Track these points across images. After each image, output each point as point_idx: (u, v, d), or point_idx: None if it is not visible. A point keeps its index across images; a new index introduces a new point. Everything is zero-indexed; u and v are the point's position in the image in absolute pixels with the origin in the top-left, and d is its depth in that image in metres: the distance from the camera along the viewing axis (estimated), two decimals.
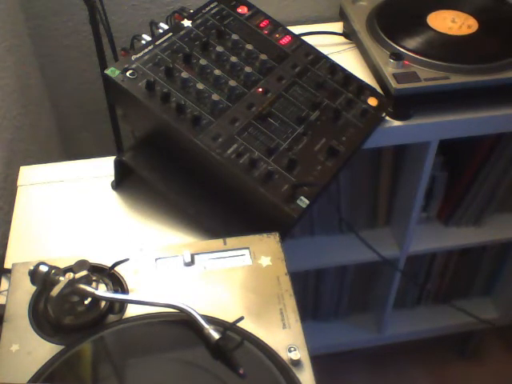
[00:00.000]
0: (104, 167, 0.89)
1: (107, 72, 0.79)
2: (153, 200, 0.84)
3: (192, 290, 0.65)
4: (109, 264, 0.67)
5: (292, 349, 0.59)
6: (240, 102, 0.83)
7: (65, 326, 0.61)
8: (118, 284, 0.66)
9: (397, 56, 0.96)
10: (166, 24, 0.92)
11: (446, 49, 1.00)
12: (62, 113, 1.34)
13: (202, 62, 0.84)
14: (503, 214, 1.31)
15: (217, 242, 0.71)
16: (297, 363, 0.58)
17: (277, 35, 0.95)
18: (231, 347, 0.58)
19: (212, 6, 0.95)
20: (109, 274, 0.66)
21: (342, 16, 1.15)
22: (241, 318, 0.61)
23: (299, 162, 0.78)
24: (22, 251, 0.78)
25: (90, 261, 0.64)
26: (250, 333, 0.61)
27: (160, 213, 0.83)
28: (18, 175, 0.89)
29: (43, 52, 1.23)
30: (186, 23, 0.90)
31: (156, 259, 0.69)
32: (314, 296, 1.39)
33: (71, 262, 0.64)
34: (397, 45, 1.00)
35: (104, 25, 1.01)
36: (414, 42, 1.00)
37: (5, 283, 0.72)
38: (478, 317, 1.40)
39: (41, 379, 0.57)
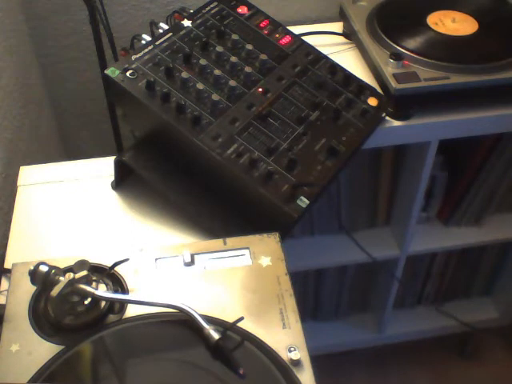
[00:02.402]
0: (104, 167, 0.89)
1: (107, 72, 0.79)
2: (153, 200, 0.84)
3: (192, 289, 0.65)
4: (109, 264, 0.67)
5: (292, 349, 0.59)
6: (240, 101, 0.83)
7: (65, 326, 0.61)
8: (118, 284, 0.66)
9: (397, 56, 0.96)
10: (166, 24, 0.92)
11: (446, 49, 1.00)
12: (61, 113, 1.34)
13: (202, 61, 0.84)
14: (503, 214, 1.31)
15: (217, 242, 0.71)
16: (297, 363, 0.58)
17: (277, 35, 0.95)
18: (231, 347, 0.58)
19: (212, 5, 0.95)
20: (109, 274, 0.66)
21: (341, 16, 1.15)
22: (241, 318, 0.61)
23: (299, 162, 0.78)
24: (22, 251, 0.78)
25: (90, 261, 0.64)
26: (250, 333, 0.61)
27: (160, 213, 0.83)
28: (18, 175, 0.89)
29: (43, 52, 1.23)
30: (186, 23, 0.90)
31: (156, 259, 0.69)
32: (314, 296, 1.39)
33: (71, 262, 0.64)
34: (397, 45, 1.00)
35: (104, 25, 1.01)
36: (413, 42, 1.00)
37: (5, 283, 0.72)
38: (463, 321, 1.40)
39: (41, 379, 0.57)
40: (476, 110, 1.00)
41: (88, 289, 0.61)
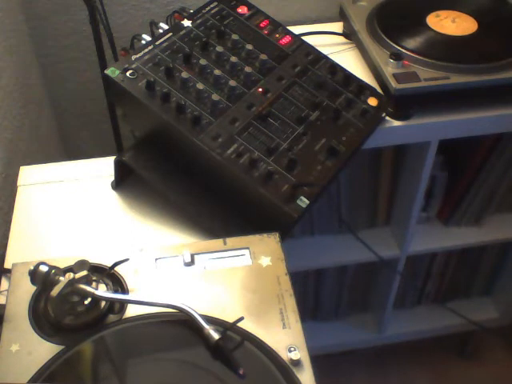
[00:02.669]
0: (104, 167, 0.89)
1: (107, 72, 0.79)
2: (153, 200, 0.84)
3: (192, 289, 0.65)
4: (109, 264, 0.67)
5: (292, 349, 0.59)
6: (240, 101, 0.83)
7: (65, 326, 0.61)
8: (118, 284, 0.66)
9: (397, 56, 0.96)
10: (166, 24, 0.92)
11: (446, 49, 1.00)
12: (61, 113, 1.34)
13: (202, 61, 0.84)
14: (503, 213, 1.31)
15: (217, 242, 0.71)
16: (297, 363, 0.58)
17: (277, 35, 0.95)
18: (231, 347, 0.58)
19: (212, 5, 0.95)
20: (109, 274, 0.66)
21: (341, 16, 1.15)
22: (241, 318, 0.61)
23: (299, 162, 0.78)
24: (22, 251, 0.78)
25: (90, 261, 0.64)
26: (250, 333, 0.61)
27: (160, 213, 0.83)
28: (18, 175, 0.89)
29: (43, 52, 1.23)
30: (186, 23, 0.90)
31: (156, 259, 0.69)
32: (314, 296, 1.39)
33: (71, 262, 0.64)
34: (397, 45, 1.00)
35: (104, 25, 1.01)
36: (413, 42, 1.00)
37: (5, 283, 0.72)
38: (471, 319, 1.40)
39: (41, 379, 0.57)
40: (476, 110, 1.00)
41: (88, 289, 0.61)
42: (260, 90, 0.85)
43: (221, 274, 0.67)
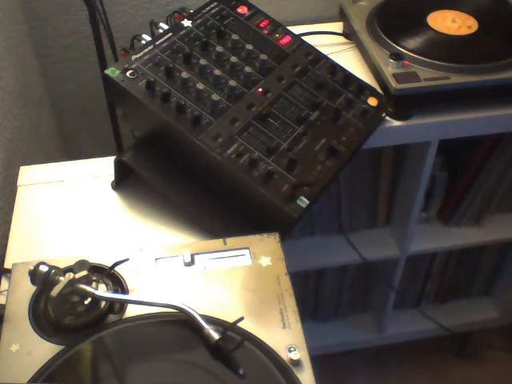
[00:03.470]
0: (104, 167, 0.89)
1: (107, 72, 0.79)
2: (153, 200, 0.84)
3: (192, 289, 0.65)
4: (109, 264, 0.67)
5: (292, 349, 0.59)
6: (240, 101, 0.83)
7: (65, 326, 0.61)
8: (118, 284, 0.66)
9: (397, 56, 0.96)
10: (166, 24, 0.92)
11: (446, 49, 1.00)
12: (62, 113, 1.34)
13: (202, 61, 0.84)
14: (503, 213, 1.31)
15: (217, 242, 0.71)
16: (297, 363, 0.58)
17: (277, 35, 0.95)
18: (231, 347, 0.58)
19: (212, 5, 0.95)
20: (109, 274, 0.66)
21: (342, 16, 1.15)
22: (241, 318, 0.61)
23: (299, 162, 0.78)
24: (22, 251, 0.78)
25: (90, 261, 0.64)
26: (250, 333, 0.61)
27: (160, 213, 0.83)
28: (18, 175, 0.89)
29: (43, 52, 1.23)
30: (186, 23, 0.90)
31: (156, 259, 0.69)
32: (314, 296, 1.39)
33: (71, 262, 0.64)
34: (397, 45, 1.00)
35: (104, 25, 1.01)
36: (414, 42, 1.00)
37: (5, 283, 0.72)
38: (443, 325, 1.40)
39: (41, 379, 0.57)
40: (476, 110, 1.00)
41: (88, 289, 0.61)
42: (260, 90, 0.85)
43: (221, 274, 0.67)
